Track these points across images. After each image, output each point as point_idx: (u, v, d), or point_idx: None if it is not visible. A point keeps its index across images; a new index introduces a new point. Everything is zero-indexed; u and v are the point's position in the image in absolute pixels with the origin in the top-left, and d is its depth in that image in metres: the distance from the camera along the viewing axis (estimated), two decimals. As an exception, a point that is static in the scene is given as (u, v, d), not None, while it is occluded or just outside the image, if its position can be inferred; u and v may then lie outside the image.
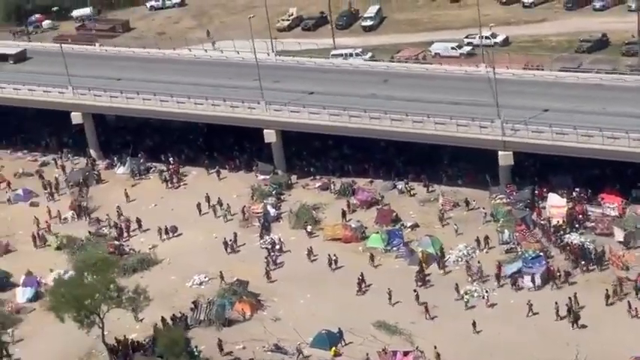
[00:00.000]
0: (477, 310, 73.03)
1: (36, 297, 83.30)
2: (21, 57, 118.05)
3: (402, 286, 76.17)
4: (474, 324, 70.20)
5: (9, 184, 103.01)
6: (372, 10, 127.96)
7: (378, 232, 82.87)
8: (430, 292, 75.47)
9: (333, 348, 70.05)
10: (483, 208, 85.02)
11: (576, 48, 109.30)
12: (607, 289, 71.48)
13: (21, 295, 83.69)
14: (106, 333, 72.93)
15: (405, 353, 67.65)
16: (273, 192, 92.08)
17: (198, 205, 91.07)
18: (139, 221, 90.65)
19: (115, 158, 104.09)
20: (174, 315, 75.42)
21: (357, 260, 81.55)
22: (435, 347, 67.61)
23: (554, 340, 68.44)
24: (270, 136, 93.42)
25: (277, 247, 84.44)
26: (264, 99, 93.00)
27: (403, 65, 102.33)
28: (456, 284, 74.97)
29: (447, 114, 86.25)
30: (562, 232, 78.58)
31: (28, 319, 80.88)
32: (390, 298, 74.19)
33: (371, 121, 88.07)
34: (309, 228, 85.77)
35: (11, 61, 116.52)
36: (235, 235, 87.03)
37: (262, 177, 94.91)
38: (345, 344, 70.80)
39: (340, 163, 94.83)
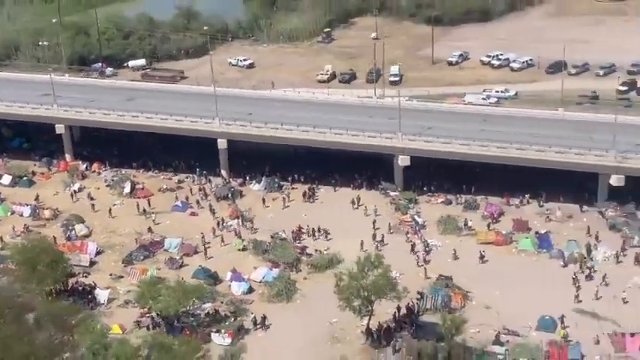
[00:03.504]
0: None
1: (250, 290, 72.36)
2: None
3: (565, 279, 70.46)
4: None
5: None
6: (395, 69, 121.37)
7: (528, 237, 76.44)
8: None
9: (562, 330, 63.05)
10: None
11: (577, 101, 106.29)
12: None
13: (237, 288, 72.30)
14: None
15: (632, 335, 61.42)
16: (410, 205, 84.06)
17: (374, 222, 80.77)
18: (318, 228, 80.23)
19: (248, 177, 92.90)
20: (408, 304, 66.26)
21: (510, 259, 75.08)
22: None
23: None
24: (404, 160, 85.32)
25: (434, 249, 76.90)
26: (400, 130, 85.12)
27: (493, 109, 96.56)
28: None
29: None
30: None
31: (253, 309, 69.79)
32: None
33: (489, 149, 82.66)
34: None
35: None
36: (383, 236, 78.77)
37: (393, 194, 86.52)
38: (565, 327, 64.00)
39: (458, 183, 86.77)
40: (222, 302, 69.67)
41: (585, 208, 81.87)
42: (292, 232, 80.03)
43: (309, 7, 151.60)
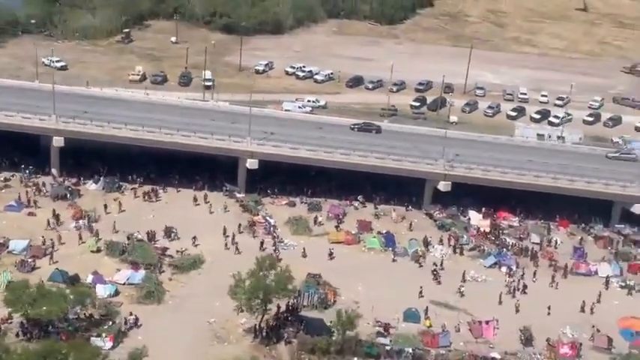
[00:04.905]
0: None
1: (116, 292, 67.09)
2: None
3: (418, 274, 73.79)
4: (501, 295, 71.23)
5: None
6: (209, 74, 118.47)
7: (375, 237, 78.79)
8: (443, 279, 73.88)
9: (428, 320, 65.82)
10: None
11: (380, 113, 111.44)
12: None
13: (102, 291, 66.74)
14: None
15: (487, 322, 65.76)
16: (258, 207, 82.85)
17: (240, 225, 78.62)
18: (169, 230, 76.27)
19: (82, 177, 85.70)
20: (288, 302, 65.20)
21: (361, 257, 77.21)
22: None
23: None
24: (252, 164, 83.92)
25: (291, 248, 76.61)
26: (250, 135, 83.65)
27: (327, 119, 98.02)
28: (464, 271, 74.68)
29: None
30: (494, 237, 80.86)
31: (123, 311, 64.96)
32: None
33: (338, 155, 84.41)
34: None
35: None
36: (234, 235, 77.19)
37: (240, 195, 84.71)
38: (427, 317, 66.84)
39: (300, 186, 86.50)
40: (94, 306, 64.01)
41: (410, 208, 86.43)
42: (147, 233, 75.66)
43: (101, 5, 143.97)
